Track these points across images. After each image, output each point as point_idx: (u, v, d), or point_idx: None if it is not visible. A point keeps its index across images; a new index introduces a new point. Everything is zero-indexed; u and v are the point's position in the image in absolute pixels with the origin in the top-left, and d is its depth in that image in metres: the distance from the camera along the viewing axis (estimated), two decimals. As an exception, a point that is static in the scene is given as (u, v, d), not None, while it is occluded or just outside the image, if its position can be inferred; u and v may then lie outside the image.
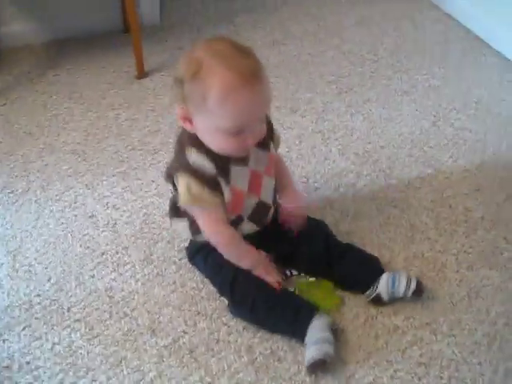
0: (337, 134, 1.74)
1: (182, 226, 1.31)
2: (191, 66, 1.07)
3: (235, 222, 1.26)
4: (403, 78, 1.99)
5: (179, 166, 1.19)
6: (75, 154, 1.70)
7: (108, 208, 1.53)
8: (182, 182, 1.18)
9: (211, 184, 1.17)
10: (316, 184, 1.59)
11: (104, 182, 1.60)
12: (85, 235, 1.46)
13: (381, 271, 1.30)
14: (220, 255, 1.28)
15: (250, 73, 1.06)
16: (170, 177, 1.23)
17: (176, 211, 1.30)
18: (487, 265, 1.38)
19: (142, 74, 1.99)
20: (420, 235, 1.45)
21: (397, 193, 1.56)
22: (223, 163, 1.17)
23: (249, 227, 1.29)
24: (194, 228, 1.28)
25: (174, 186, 1.24)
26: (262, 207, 1.29)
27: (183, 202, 1.21)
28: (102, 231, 1.47)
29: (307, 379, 1.16)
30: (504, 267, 1.37)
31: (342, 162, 1.65)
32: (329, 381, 1.16)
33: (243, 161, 1.20)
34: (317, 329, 1.18)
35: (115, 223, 1.49)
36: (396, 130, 1.76)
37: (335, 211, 1.50)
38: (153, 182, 1.60)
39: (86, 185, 1.60)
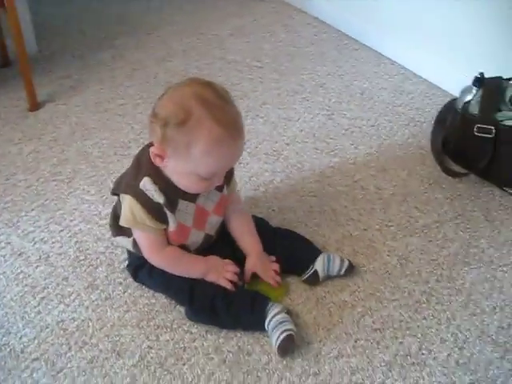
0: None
1: (125, 242, 1.32)
2: (179, 113, 1.11)
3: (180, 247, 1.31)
4: (290, 79, 2.11)
5: (129, 187, 1.22)
6: (-16, 194, 1.63)
7: (36, 243, 1.49)
8: (127, 203, 1.22)
9: (155, 212, 1.21)
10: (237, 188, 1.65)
11: (24, 218, 1.55)
12: (19, 274, 1.41)
13: (317, 252, 1.39)
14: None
15: (234, 126, 1.14)
16: (117, 192, 1.25)
17: (118, 229, 1.31)
18: (408, 233, 1.52)
19: (35, 106, 1.94)
20: (343, 217, 1.56)
21: (312, 183, 1.67)
22: (172, 196, 1.22)
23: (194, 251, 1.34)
24: (136, 245, 1.30)
25: (119, 201, 1.25)
26: (208, 239, 1.34)
27: (125, 222, 1.25)
28: (37, 266, 1.42)
29: (280, 366, 1.21)
30: (422, 232, 1.52)
31: (254, 164, 1.73)
32: (299, 363, 1.22)
33: (193, 198, 1.25)
34: (274, 313, 1.24)
35: (48, 256, 1.45)
36: (297, 127, 1.88)
37: (261, 208, 1.57)
38: (75, 209, 1.58)
39: (7, 224, 1.54)
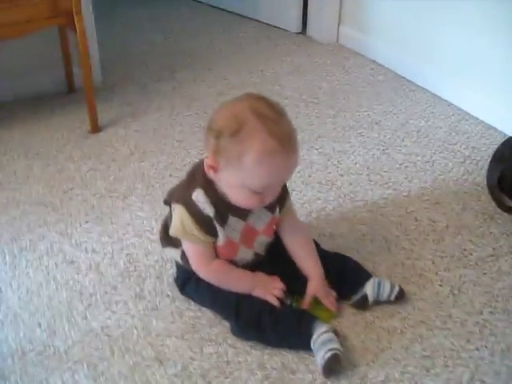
0: (297, 168, 1.82)
1: (173, 253, 1.33)
2: (233, 124, 1.12)
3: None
4: (346, 115, 2.13)
5: (182, 198, 1.24)
6: (42, 205, 1.67)
7: (88, 252, 1.51)
8: (178, 213, 1.23)
9: (205, 225, 1.23)
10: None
11: (78, 229, 1.59)
12: (68, 280, 1.43)
13: (367, 275, 1.36)
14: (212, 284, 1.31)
15: (287, 139, 1.14)
16: (169, 203, 1.27)
17: (168, 239, 1.32)
18: (461, 265, 1.47)
19: (96, 128, 2.01)
20: (395, 246, 1.53)
21: (364, 212, 1.65)
22: (223, 211, 1.23)
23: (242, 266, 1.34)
24: (187, 258, 1.31)
25: (170, 212, 1.27)
26: (257, 257, 1.35)
27: (175, 232, 1.26)
28: (86, 274, 1.44)
29: (323, 385, 1.19)
30: (476, 265, 1.48)
31: (308, 192, 1.73)
32: (344, 384, 1.19)
33: (243, 215, 1.26)
34: (320, 332, 1.21)
35: (98, 265, 1.47)
36: (351, 160, 1.87)
37: (313, 234, 1.54)
38: (128, 224, 1.60)
39: (60, 233, 1.57)
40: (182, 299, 1.37)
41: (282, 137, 1.13)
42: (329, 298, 1.31)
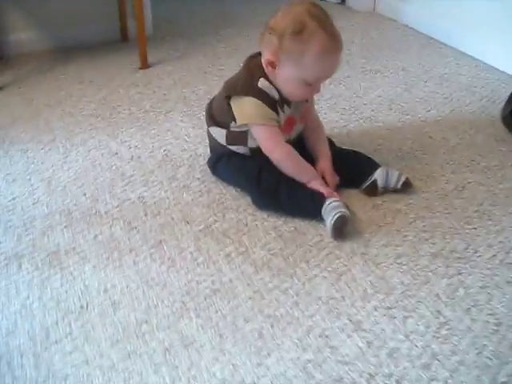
0: (324, 97, 1.98)
1: (218, 133, 1.48)
2: (295, 26, 1.31)
3: None
4: (375, 63, 2.27)
5: (249, 89, 1.40)
6: (93, 116, 1.88)
7: (131, 148, 1.70)
8: (249, 103, 1.40)
9: (273, 106, 1.40)
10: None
11: (123, 133, 1.78)
12: (112, 166, 1.62)
13: (377, 165, 1.50)
14: (240, 159, 1.47)
15: (338, 39, 1.35)
16: (232, 95, 1.42)
17: (214, 121, 1.49)
18: (468, 170, 1.59)
19: (145, 65, 2.21)
20: (408, 155, 1.66)
21: (383, 130, 1.79)
22: (281, 97, 1.41)
23: None
24: (230, 138, 1.46)
25: (228, 104, 1.43)
26: (289, 142, 1.48)
27: (247, 119, 1.41)
28: (128, 162, 1.63)
29: (330, 244, 1.32)
30: (482, 171, 1.59)
31: (332, 115, 1.88)
32: (349, 244, 1.32)
33: (289, 103, 1.43)
34: (331, 201, 1.36)
35: (139, 157, 1.66)
36: (375, 94, 2.02)
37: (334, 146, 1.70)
38: (168, 130, 1.79)
39: (108, 135, 1.77)
40: (211, 182, 1.54)
41: (335, 37, 1.34)
42: (333, 178, 1.46)
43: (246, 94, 1.40)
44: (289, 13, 1.35)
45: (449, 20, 2.42)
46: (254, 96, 1.39)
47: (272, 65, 1.37)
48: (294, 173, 1.43)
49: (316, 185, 1.42)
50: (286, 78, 1.37)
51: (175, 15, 2.84)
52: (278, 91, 1.40)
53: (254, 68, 1.43)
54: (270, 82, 1.40)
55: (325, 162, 1.48)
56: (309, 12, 1.33)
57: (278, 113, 1.41)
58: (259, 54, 1.42)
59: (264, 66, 1.39)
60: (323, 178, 1.46)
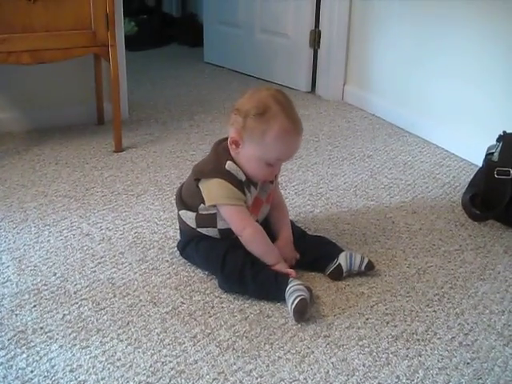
0: (292, 184, 2.06)
1: (188, 216, 1.53)
2: (259, 107, 1.42)
3: None
4: (341, 150, 2.38)
5: (217, 172, 1.47)
6: (67, 197, 1.92)
7: (102, 229, 1.74)
8: (217, 185, 1.46)
9: (240, 187, 1.47)
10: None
11: (95, 214, 1.82)
12: (83, 246, 1.65)
13: (341, 249, 1.56)
14: (209, 242, 1.52)
15: (298, 123, 1.47)
16: (201, 178, 1.49)
17: (184, 205, 1.54)
18: (429, 255, 1.66)
19: (119, 148, 2.28)
20: (371, 239, 1.72)
21: (347, 216, 1.86)
22: (247, 179, 1.48)
23: None
24: (199, 220, 1.51)
25: (197, 186, 1.49)
26: None
27: (215, 200, 1.47)
28: (99, 244, 1.66)
29: (294, 327, 1.35)
30: (443, 255, 1.65)
31: (299, 200, 1.95)
32: (313, 327, 1.35)
33: (255, 185, 1.51)
34: (293, 284, 1.40)
35: (110, 238, 1.69)
36: (341, 181, 2.10)
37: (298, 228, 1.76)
38: (139, 213, 1.84)
39: (80, 216, 1.81)
40: (180, 264, 1.57)
41: (295, 121, 1.45)
42: (292, 252, 1.53)
43: (214, 176, 1.47)
44: (255, 96, 1.46)
45: (413, 110, 2.57)
46: (221, 177, 1.46)
47: (236, 143, 1.45)
48: (262, 253, 1.48)
49: (281, 267, 1.47)
50: (248, 156, 1.45)
51: (151, 100, 2.95)
52: (245, 173, 1.47)
53: (221, 152, 1.50)
54: (237, 165, 1.47)
55: (285, 236, 1.55)
56: (273, 97, 1.44)
57: (244, 194, 1.47)
58: (226, 138, 1.50)
59: (229, 144, 1.47)
60: (282, 252, 1.51)
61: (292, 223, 1.64)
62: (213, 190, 1.47)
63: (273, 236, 1.55)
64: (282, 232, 1.56)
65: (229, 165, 1.46)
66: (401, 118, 2.63)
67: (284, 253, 1.52)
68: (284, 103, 1.44)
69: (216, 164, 1.49)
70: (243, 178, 1.47)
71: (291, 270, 1.47)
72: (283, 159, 1.49)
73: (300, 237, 1.59)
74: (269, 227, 1.58)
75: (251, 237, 1.48)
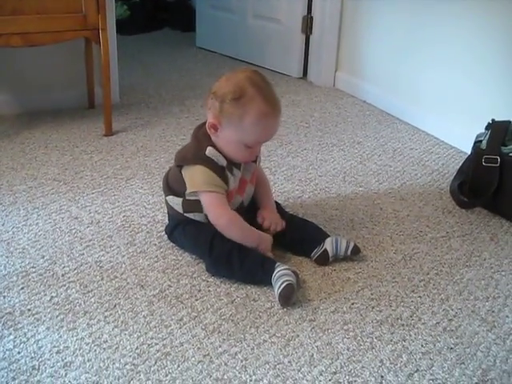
0: (282, 169, 2.07)
1: (175, 201, 1.53)
2: (236, 91, 1.41)
3: None
4: (331, 136, 2.38)
5: (197, 158, 1.47)
6: (56, 180, 1.92)
7: (91, 213, 1.74)
8: (198, 171, 1.46)
9: (220, 173, 1.46)
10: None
11: (84, 198, 1.82)
12: (72, 229, 1.65)
13: (327, 235, 1.57)
14: (196, 226, 1.52)
15: (276, 105, 1.45)
16: (182, 164, 1.50)
17: (171, 190, 1.55)
18: (416, 241, 1.67)
19: (109, 132, 2.28)
20: (358, 225, 1.73)
21: (336, 201, 1.87)
22: (228, 162, 1.48)
23: None
24: (186, 206, 1.52)
25: (180, 172, 1.50)
26: (241, 206, 1.56)
27: (195, 186, 1.48)
28: (87, 227, 1.67)
29: (280, 311, 1.36)
30: (429, 242, 1.67)
31: (288, 186, 1.96)
32: (298, 311, 1.36)
33: (239, 166, 1.51)
34: (280, 269, 1.41)
35: (98, 222, 1.69)
36: (330, 167, 2.11)
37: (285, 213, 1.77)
38: (128, 197, 1.84)
39: (69, 199, 1.81)
40: (168, 248, 1.58)
41: (273, 103, 1.44)
42: (276, 222, 1.55)
43: (195, 162, 1.47)
44: (231, 79, 1.45)
45: (404, 97, 2.58)
46: (202, 164, 1.46)
47: (214, 127, 1.46)
48: (241, 238, 1.48)
49: (262, 248, 1.48)
50: (228, 140, 1.46)
51: (142, 84, 2.94)
52: (226, 157, 1.47)
53: (201, 137, 1.50)
54: (218, 150, 1.47)
55: (269, 205, 1.59)
56: (249, 79, 1.43)
57: (227, 178, 1.47)
58: (205, 123, 1.49)
59: (207, 128, 1.47)
60: (264, 222, 1.54)
61: (280, 206, 1.66)
62: (194, 177, 1.48)
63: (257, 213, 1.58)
64: (265, 202, 1.59)
65: (209, 151, 1.46)
66: (391, 105, 2.64)
67: (270, 217, 1.54)
68: (260, 85, 1.43)
69: (196, 150, 1.49)
70: (224, 163, 1.47)
71: (271, 254, 1.49)
72: (262, 141, 1.50)
73: (287, 221, 1.59)
74: (254, 207, 1.60)
75: (226, 225, 1.48)
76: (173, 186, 1.54)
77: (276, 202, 1.67)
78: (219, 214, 1.48)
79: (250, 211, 1.57)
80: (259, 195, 1.61)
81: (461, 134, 2.24)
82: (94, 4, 2.12)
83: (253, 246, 1.48)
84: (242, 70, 1.48)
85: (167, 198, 1.56)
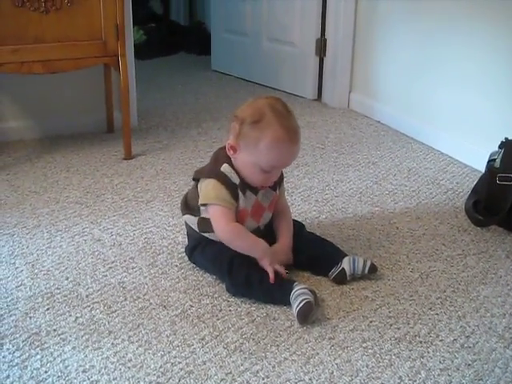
0: (298, 190, 2.10)
1: (191, 220, 1.58)
2: (255, 115, 1.46)
3: None
4: (347, 157, 2.42)
5: (212, 173, 1.53)
6: (78, 203, 1.97)
7: (113, 235, 1.78)
8: (211, 185, 1.51)
9: (232, 190, 1.51)
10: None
11: (106, 220, 1.87)
12: (94, 251, 1.69)
13: (344, 254, 1.60)
14: (215, 247, 1.55)
15: (293, 132, 1.49)
16: (198, 178, 1.56)
17: (188, 210, 1.60)
18: (432, 260, 1.69)
19: (129, 155, 2.33)
20: (375, 244, 1.76)
21: (352, 221, 1.89)
22: (243, 182, 1.52)
23: None
24: (202, 225, 1.56)
25: (197, 187, 1.56)
26: (257, 231, 1.59)
27: (205, 199, 1.52)
28: (110, 249, 1.71)
29: (299, 329, 1.39)
30: (445, 260, 1.69)
31: (305, 207, 1.99)
32: (317, 329, 1.39)
33: (255, 190, 1.55)
34: (298, 288, 1.43)
35: (120, 244, 1.74)
36: (346, 187, 2.14)
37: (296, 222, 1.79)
38: (149, 219, 1.88)
39: (91, 222, 1.85)
40: (189, 268, 1.62)
41: (289, 130, 1.47)
42: (287, 256, 1.56)
43: (209, 176, 1.53)
44: (253, 103, 1.51)
45: (417, 117, 2.61)
46: (215, 178, 1.51)
47: (233, 149, 1.50)
48: (246, 249, 1.52)
49: (265, 264, 1.50)
50: (244, 162, 1.50)
51: (160, 108, 3.01)
52: (240, 176, 1.51)
53: (221, 156, 1.55)
54: (232, 167, 1.51)
55: (284, 242, 1.59)
56: (270, 105, 1.48)
57: (237, 196, 1.51)
58: None
59: (227, 150, 1.52)
60: (276, 255, 1.54)
61: (303, 228, 1.69)
62: (206, 189, 1.53)
63: (274, 241, 1.59)
64: (282, 238, 1.60)
65: (224, 167, 1.51)
66: (405, 125, 2.67)
67: (278, 255, 1.55)
68: (280, 111, 1.47)
69: (213, 166, 1.55)
70: (237, 180, 1.51)
71: (272, 269, 1.48)
72: (278, 167, 1.53)
73: (304, 238, 1.63)
74: (271, 232, 1.62)
75: (229, 236, 1.52)
76: (190, 202, 1.59)
77: (299, 223, 1.70)
78: (222, 225, 1.52)
79: (266, 235, 1.59)
80: (277, 228, 1.63)
81: (474, 153, 2.27)
82: (114, 31, 2.19)
83: (258, 256, 1.50)
84: (266, 97, 1.54)
85: (184, 216, 1.61)
